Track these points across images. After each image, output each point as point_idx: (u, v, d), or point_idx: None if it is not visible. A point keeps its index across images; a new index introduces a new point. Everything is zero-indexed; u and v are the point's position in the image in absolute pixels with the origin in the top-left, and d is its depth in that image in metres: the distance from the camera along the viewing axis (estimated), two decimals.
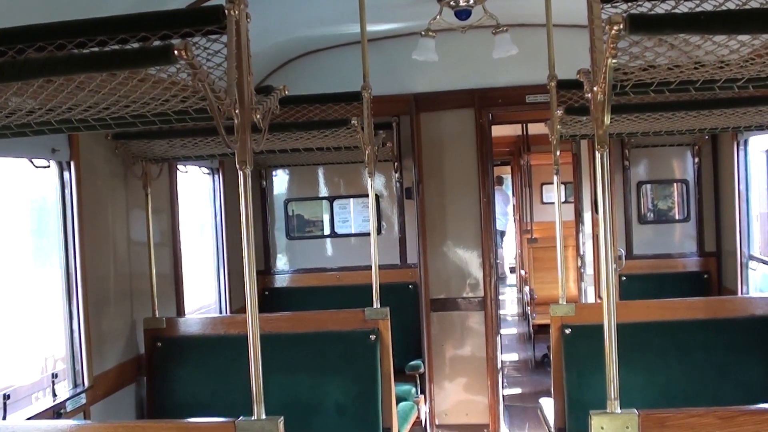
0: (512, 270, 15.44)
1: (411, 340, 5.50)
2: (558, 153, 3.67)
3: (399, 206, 5.93)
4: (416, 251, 5.62)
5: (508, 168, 14.93)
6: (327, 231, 6.13)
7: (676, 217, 5.93)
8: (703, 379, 3.66)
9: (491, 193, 5.86)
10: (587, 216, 6.15)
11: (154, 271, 4.09)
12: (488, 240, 5.78)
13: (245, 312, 2.02)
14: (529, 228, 10.42)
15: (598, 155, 2.05)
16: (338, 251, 6.08)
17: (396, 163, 5.78)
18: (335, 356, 3.87)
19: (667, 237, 5.87)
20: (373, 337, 3.84)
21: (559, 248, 3.76)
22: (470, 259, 5.82)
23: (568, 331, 3.73)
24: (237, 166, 1.98)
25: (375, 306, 3.85)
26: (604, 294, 2.09)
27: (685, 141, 5.70)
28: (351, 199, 6.08)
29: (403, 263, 5.85)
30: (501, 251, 15.17)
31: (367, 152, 3.70)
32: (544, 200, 12.79)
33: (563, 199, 12.64)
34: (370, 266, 3.83)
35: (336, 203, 6.09)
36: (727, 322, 3.72)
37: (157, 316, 4.08)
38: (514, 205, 13.62)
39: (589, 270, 6.13)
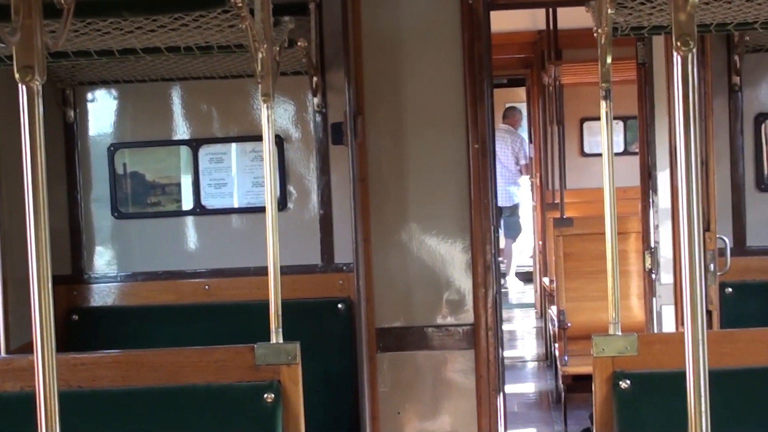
0: (524, 277, 15.64)
1: (341, 402, 5.53)
2: (609, 61, 3.67)
3: (320, 159, 5.93)
4: (351, 242, 5.59)
5: (522, 91, 15.06)
6: (188, 204, 6.12)
7: None
8: None
9: (490, 135, 5.91)
10: (664, 178, 6.23)
11: None
12: (483, 221, 5.88)
13: (33, 351, 2.04)
14: (556, 200, 10.52)
15: (677, 60, 2.08)
16: (209, 241, 6.08)
17: (315, 80, 5.77)
18: (203, 430, 3.88)
19: None
20: (269, 397, 3.89)
21: (610, 236, 3.78)
22: (450, 256, 5.96)
23: (624, 384, 3.82)
24: (17, 77, 1.97)
25: (274, 340, 3.91)
26: (688, 317, 2.18)
27: None
28: (232, 145, 6.09)
29: (328, 264, 5.92)
30: (511, 243, 15.32)
31: (260, 57, 3.70)
32: (586, 150, 12.98)
33: (621, 148, 12.89)
34: (266, 269, 3.88)
35: (204, 152, 6.07)
36: None
37: None
38: (531, 158, 13.76)
39: (667, 276, 6.23)
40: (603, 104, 3.82)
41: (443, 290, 5.96)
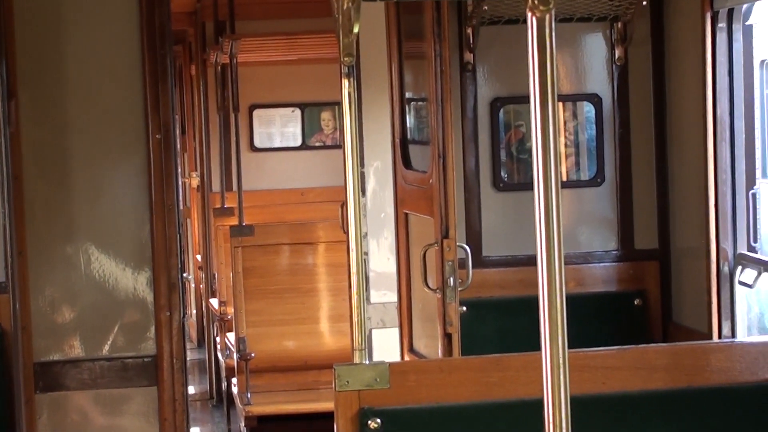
0: None
1: None
2: (356, 30, 3.58)
3: None
4: (1, 257, 5.71)
5: None
6: None
7: (576, 177, 6.11)
8: None
9: (175, 122, 5.91)
10: (377, 174, 6.36)
11: None
12: (168, 228, 5.77)
13: None
14: (227, 205, 10.46)
15: (533, 23, 2.07)
16: None
17: None
18: None
19: None
20: None
21: (355, 246, 3.76)
22: (126, 272, 5.82)
23: (374, 423, 3.78)
24: None
25: None
26: (546, 337, 2.14)
27: (597, 10, 5.84)
28: None
29: None
30: None
31: None
32: (257, 144, 12.43)
33: (299, 142, 12.82)
34: None
35: None
36: (694, 397, 3.93)
37: None
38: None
39: (378, 294, 6.36)
40: (345, 83, 3.76)
41: (118, 314, 5.79)
